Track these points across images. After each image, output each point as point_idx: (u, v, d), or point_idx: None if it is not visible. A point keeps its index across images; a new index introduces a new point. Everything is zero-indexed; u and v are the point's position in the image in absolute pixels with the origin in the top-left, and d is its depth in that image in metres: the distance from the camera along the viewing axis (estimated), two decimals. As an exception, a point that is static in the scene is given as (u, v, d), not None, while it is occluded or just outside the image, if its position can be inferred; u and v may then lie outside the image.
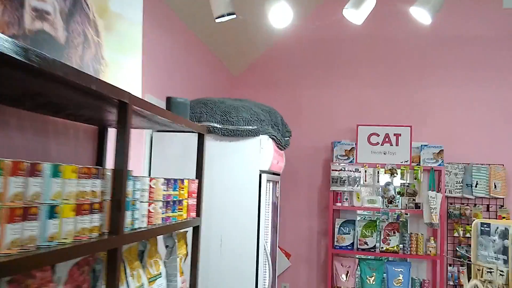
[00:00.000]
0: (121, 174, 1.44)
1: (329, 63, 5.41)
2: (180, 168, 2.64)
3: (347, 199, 4.95)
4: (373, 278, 4.83)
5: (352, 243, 4.91)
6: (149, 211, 1.76)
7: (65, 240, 1.23)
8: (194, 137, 2.90)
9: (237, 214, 2.90)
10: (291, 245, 5.29)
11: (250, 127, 2.91)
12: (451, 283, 4.83)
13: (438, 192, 4.73)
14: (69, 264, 1.35)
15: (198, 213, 2.30)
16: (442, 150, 4.86)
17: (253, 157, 2.92)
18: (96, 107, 1.63)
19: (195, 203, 2.28)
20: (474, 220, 4.90)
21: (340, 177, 4.89)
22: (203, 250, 2.90)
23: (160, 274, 2.05)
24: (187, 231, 2.31)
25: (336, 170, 4.91)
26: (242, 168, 2.93)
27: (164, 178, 1.92)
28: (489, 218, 4.90)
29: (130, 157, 2.59)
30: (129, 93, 1.48)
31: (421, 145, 4.92)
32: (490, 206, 4.93)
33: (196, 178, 2.32)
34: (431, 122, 5.15)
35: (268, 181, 3.14)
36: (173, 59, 3.60)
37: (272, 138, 3.03)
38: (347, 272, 4.89)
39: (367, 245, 4.84)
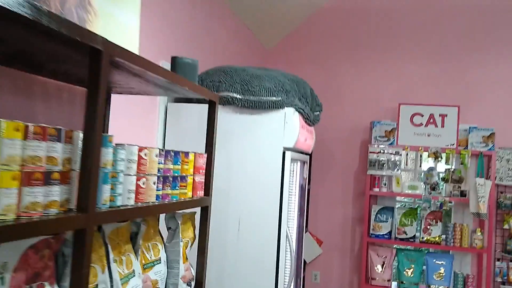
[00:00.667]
0: (90, 138, 1.16)
1: (370, 36, 4.98)
2: (197, 143, 2.36)
3: (385, 185, 4.56)
4: (411, 270, 4.46)
5: (390, 232, 4.53)
6: (138, 186, 1.49)
7: (3, 216, 0.96)
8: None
9: (257, 195, 2.60)
10: (324, 232, 4.96)
11: (274, 98, 2.58)
12: (499, 279, 4.39)
13: (487, 179, 4.27)
14: (20, 247, 1.08)
15: (208, 192, 2.01)
16: (493, 133, 4.38)
17: (276, 132, 2.60)
18: (79, 62, 1.36)
19: (203, 180, 1.99)
20: None
21: (379, 160, 4.50)
22: (219, 234, 2.63)
23: (160, 259, 1.78)
24: (195, 213, 2.03)
25: (374, 153, 4.52)
26: (264, 145, 2.61)
27: (161, 149, 1.63)
28: (545, 210, 4.41)
29: (140, 129, 2.31)
30: (104, 38, 1.19)
31: (470, 127, 4.46)
32: (547, 196, 4.43)
33: (206, 152, 2.03)
34: (481, 102, 4.67)
35: (293, 160, 2.82)
36: (198, 26, 3.31)
37: (299, 112, 2.70)
38: (383, 262, 4.53)
39: (406, 234, 4.46)
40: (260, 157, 2.61)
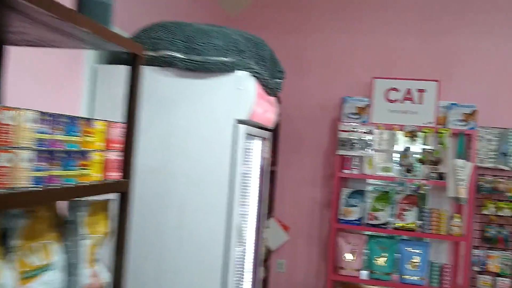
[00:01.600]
0: None
1: (342, 5, 4.52)
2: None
3: (357, 166, 4.16)
4: (383, 259, 4.09)
5: (361, 218, 4.15)
6: (-5, 165, 1.00)
7: None
8: (153, 72, 2.13)
9: (203, 177, 2.14)
10: (291, 217, 4.55)
11: (225, 58, 2.11)
12: (477, 268, 4.06)
13: (467, 161, 3.91)
14: None
15: (127, 174, 1.54)
16: (475, 110, 4.01)
17: (227, 101, 2.14)
18: None
19: (121, 158, 1.52)
20: (508, 195, 4.11)
21: (350, 140, 4.09)
22: (157, 225, 2.16)
23: (51, 265, 1.31)
24: (108, 201, 1.56)
25: (345, 131, 4.11)
26: (212, 115, 2.15)
27: (42, 112, 1.15)
28: (527, 194, 4.09)
29: (60, 96, 1.80)
30: None
31: (450, 104, 4.07)
32: (529, 180, 4.11)
33: (127, 121, 1.55)
34: (462, 77, 4.29)
35: (250, 136, 2.36)
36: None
37: (256, 77, 2.23)
38: (353, 250, 4.15)
39: (378, 220, 4.08)
40: (206, 130, 2.15)
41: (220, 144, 2.13)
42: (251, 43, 2.24)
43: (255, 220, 2.68)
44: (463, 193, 3.81)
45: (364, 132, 4.08)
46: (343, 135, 4.10)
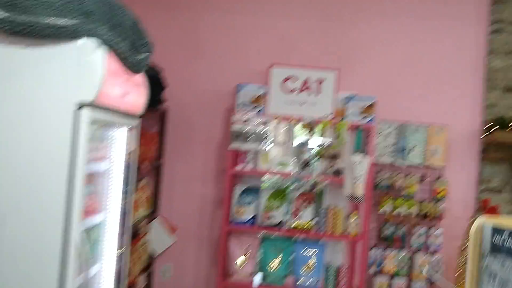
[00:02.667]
0: None
1: (240, -18, 4.12)
2: None
3: (251, 161, 3.78)
4: (277, 261, 3.77)
5: (254, 217, 3.79)
6: None
7: None
8: None
9: (30, 180, 1.60)
10: (180, 216, 4.08)
11: (63, 20, 1.58)
12: (374, 269, 3.87)
13: (365, 156, 3.69)
14: None
15: None
16: (374, 103, 3.80)
17: (65, 77, 1.61)
18: None
19: None
20: (404, 192, 3.97)
21: (244, 132, 3.70)
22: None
23: None
24: None
25: (238, 123, 3.71)
26: (45, 97, 1.61)
27: None
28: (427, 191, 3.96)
29: None
30: None
31: (349, 95, 3.83)
32: (425, 176, 3.99)
33: None
34: (362, 68, 4.07)
35: (105, 124, 1.85)
36: None
37: (110, 47, 1.73)
38: (246, 253, 3.78)
39: (273, 219, 3.74)
40: (37, 117, 1.61)
41: (55, 135, 1.60)
42: (104, 4, 1.73)
43: (117, 230, 2.17)
44: (360, 191, 3.58)
45: (260, 124, 3.71)
46: (237, 126, 3.71)
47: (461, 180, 4.02)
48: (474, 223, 1.24)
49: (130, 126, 2.19)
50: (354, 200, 3.66)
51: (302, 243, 3.82)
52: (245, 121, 3.72)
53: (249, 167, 3.76)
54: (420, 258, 3.85)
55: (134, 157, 2.30)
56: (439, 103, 4.04)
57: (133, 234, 3.39)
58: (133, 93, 2.00)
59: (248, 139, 3.70)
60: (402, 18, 4.07)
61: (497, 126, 3.82)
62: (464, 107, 4.04)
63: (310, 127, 3.69)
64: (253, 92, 3.83)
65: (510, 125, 3.79)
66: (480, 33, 4.02)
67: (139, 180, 3.36)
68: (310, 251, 3.77)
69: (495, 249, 1.19)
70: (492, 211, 3.61)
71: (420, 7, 4.06)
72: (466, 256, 3.68)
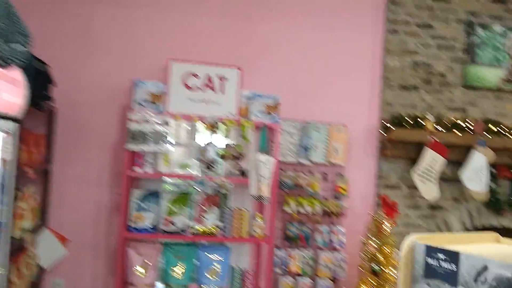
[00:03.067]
0: None
1: (136, -29, 3.84)
2: None
3: (151, 163, 3.53)
4: (180, 269, 3.56)
5: (155, 224, 3.54)
6: None
7: None
8: None
9: None
10: (71, 226, 3.71)
11: None
12: (279, 270, 3.81)
13: (270, 155, 3.61)
14: None
15: None
16: (278, 102, 3.73)
17: None
18: None
19: None
20: (309, 191, 3.96)
21: (142, 132, 3.45)
22: None
23: None
24: None
25: (136, 122, 3.45)
26: None
27: None
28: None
29: None
30: None
31: (252, 94, 3.72)
32: (328, 174, 4.01)
33: None
34: (265, 66, 3.99)
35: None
36: None
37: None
38: (146, 262, 3.52)
39: (175, 226, 3.53)
40: None
41: None
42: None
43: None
44: (265, 191, 3.49)
45: (159, 123, 3.47)
46: (134, 126, 3.44)
47: (361, 177, 4.09)
48: (405, 243, 1.14)
49: (4, 130, 1.87)
50: (260, 201, 3.56)
51: (207, 248, 3.65)
52: (143, 120, 3.46)
53: (148, 169, 3.51)
54: (325, 256, 3.86)
55: (12, 164, 1.97)
56: (339, 102, 4.08)
57: (18, 249, 2.99)
58: (6, 91, 1.69)
59: (147, 139, 3.45)
60: (303, 18, 4.05)
61: (394, 124, 3.94)
62: (363, 105, 4.12)
63: (214, 126, 3.53)
64: (151, 89, 3.58)
65: (405, 122, 3.93)
66: (377, 33, 4.13)
67: (21, 188, 2.97)
68: (215, 256, 3.61)
69: (430, 273, 1.08)
70: (391, 207, 3.70)
71: (321, 8, 4.08)
72: (368, 252, 3.75)
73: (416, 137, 3.88)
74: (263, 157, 3.51)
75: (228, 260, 3.64)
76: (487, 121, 4.06)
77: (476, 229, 4.19)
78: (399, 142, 3.95)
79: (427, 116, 3.96)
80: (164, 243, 3.61)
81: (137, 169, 3.48)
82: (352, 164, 4.07)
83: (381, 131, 4.05)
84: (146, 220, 3.51)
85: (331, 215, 3.89)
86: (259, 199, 3.53)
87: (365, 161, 4.10)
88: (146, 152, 3.50)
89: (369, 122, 4.12)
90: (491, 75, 4.20)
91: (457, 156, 4.02)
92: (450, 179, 4.15)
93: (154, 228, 3.52)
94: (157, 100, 3.57)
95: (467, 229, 4.16)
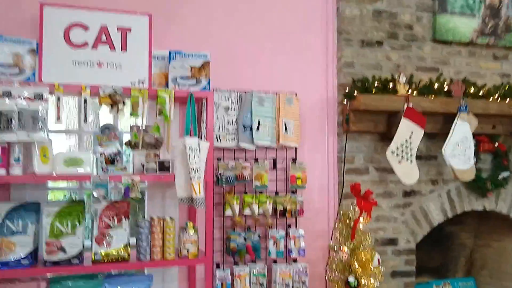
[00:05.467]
0: None
1: None
2: None
3: (18, 160, 2.30)
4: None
5: (33, 253, 2.33)
6: None
7: None
8: None
9: None
10: None
11: None
12: (221, 296, 2.76)
13: (201, 139, 2.53)
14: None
15: None
16: (208, 62, 2.65)
17: None
18: None
19: None
20: (255, 185, 2.85)
21: (3, 114, 2.23)
22: None
23: None
24: None
25: (-10, 98, 2.20)
26: None
27: None
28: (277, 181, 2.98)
29: None
30: None
31: (171, 52, 2.61)
32: (278, 160, 3.01)
33: None
34: (188, 16, 2.89)
35: None
36: None
37: None
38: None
39: (64, 252, 2.34)
40: None
41: None
42: None
43: None
44: (198, 190, 2.41)
45: (30, 99, 2.26)
46: (-11, 105, 2.20)
47: (318, 161, 3.15)
48: None
49: None
50: (191, 205, 2.47)
51: (116, 279, 2.50)
52: (3, 94, 2.23)
53: (16, 171, 2.28)
54: (281, 270, 2.87)
55: None
56: (286, 65, 3.09)
57: None
58: None
59: (12, 125, 2.22)
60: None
61: (358, 90, 3.03)
62: (316, 68, 3.16)
63: (114, 101, 2.37)
64: (15, 47, 2.34)
65: (374, 87, 3.03)
66: (330, -28, 3.18)
67: None
68: (130, 290, 2.48)
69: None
70: (366, 198, 2.79)
71: None
72: (339, 260, 2.80)
73: (388, 104, 3.00)
74: (192, 142, 2.42)
75: (149, 294, 2.52)
76: (464, 82, 3.28)
77: (457, 215, 3.43)
78: (366, 112, 3.04)
79: (398, 78, 3.09)
80: (51, 279, 2.41)
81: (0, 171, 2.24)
82: (307, 144, 3.10)
83: (341, 100, 3.12)
84: (18, 247, 2.29)
85: (285, 215, 2.91)
86: (189, 202, 2.45)
87: (322, 140, 3.16)
88: (12, 145, 2.27)
89: (326, 89, 3.17)
90: (463, 26, 3.42)
91: (431, 127, 3.21)
92: (424, 157, 3.33)
93: (33, 259, 2.30)
94: (21, 63, 2.34)
95: (447, 218, 3.37)
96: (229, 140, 2.86)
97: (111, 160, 2.42)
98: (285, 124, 2.96)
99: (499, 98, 3.32)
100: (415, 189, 3.28)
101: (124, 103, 2.38)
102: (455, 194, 3.38)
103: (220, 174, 2.76)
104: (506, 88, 3.38)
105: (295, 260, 2.96)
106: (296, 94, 3.01)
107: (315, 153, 3.14)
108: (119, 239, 2.43)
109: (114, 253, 2.40)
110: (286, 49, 3.09)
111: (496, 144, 3.45)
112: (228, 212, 2.80)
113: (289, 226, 2.97)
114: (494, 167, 3.45)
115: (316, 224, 3.10)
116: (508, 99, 3.32)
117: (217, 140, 2.82)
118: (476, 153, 3.34)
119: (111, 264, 2.39)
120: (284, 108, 2.96)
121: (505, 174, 3.42)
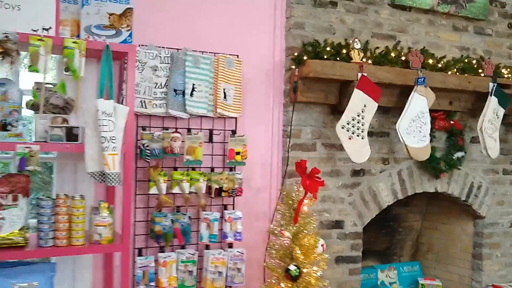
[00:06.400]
0: None
1: None
2: None
3: None
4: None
5: None
6: None
7: None
8: None
9: None
10: None
11: None
12: (143, 286, 2.38)
13: (119, 103, 2.10)
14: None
15: None
16: (130, 8, 2.20)
17: None
18: None
19: None
20: (187, 160, 2.38)
21: None
22: None
23: None
24: None
25: None
26: None
27: None
28: (213, 155, 2.60)
29: None
30: None
31: (84, -3, 2.13)
32: (215, 132, 2.62)
33: None
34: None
35: None
36: None
37: None
38: None
39: None
40: None
41: None
42: None
43: None
44: (113, 164, 1.99)
45: None
46: None
47: (262, 134, 2.79)
48: None
49: None
50: (104, 182, 2.05)
51: (11, 270, 2.06)
52: None
53: None
54: (214, 257, 2.52)
55: None
56: (227, 21, 2.68)
57: None
58: None
59: None
60: None
61: (308, 55, 2.67)
62: (262, 27, 2.77)
63: (6, 49, 1.88)
64: None
65: (326, 52, 2.68)
66: None
67: None
68: (28, 283, 2.04)
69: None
70: (312, 177, 2.46)
71: None
72: (280, 246, 2.45)
73: (341, 72, 2.66)
74: (105, 105, 1.98)
75: (51, 286, 2.10)
76: (422, 53, 2.99)
77: (408, 197, 3.19)
78: (316, 81, 2.69)
79: (353, 44, 2.75)
80: None
81: None
82: (249, 115, 2.73)
83: (289, 65, 2.76)
84: None
85: (222, 195, 2.54)
86: (102, 178, 2.03)
87: (267, 110, 2.79)
88: None
89: (273, 52, 2.79)
90: (424, -9, 3.13)
91: (386, 100, 2.92)
92: (376, 133, 3.04)
93: None
94: None
95: (397, 199, 3.12)
96: (157, 106, 2.43)
97: (4, 125, 1.94)
98: (224, 90, 2.57)
99: (458, 72, 3.08)
100: (364, 168, 2.99)
101: (18, 53, 1.90)
102: (406, 174, 3.13)
103: (143, 145, 2.34)
104: (466, 61, 3.14)
105: (231, 246, 2.62)
106: (238, 56, 2.62)
107: (258, 125, 2.77)
108: (14, 221, 1.98)
109: (6, 239, 1.96)
110: (229, 4, 2.68)
111: (452, 122, 3.22)
112: (154, 190, 2.40)
113: (225, 207, 2.62)
114: (448, 146, 3.22)
115: (256, 205, 2.76)
116: (467, 74, 3.08)
117: (142, 105, 2.39)
118: (431, 131, 3.09)
119: (5, 250, 1.95)
120: (223, 72, 2.56)
121: (459, 154, 3.21)
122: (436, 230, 3.74)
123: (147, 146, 2.34)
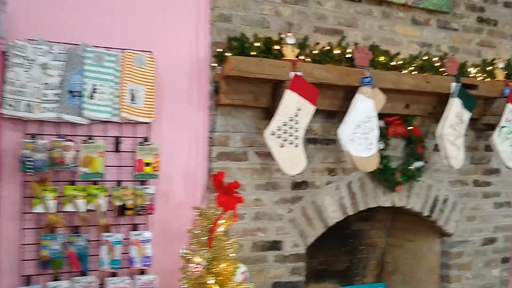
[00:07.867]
0: None
1: None
2: None
3: None
4: None
5: None
6: None
7: None
8: None
9: None
10: None
11: None
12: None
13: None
14: None
15: None
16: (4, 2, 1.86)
17: None
18: None
19: None
20: (83, 172, 1.97)
21: None
22: None
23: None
24: None
25: None
26: None
27: None
28: (119, 167, 2.24)
29: None
30: None
31: None
32: (121, 140, 2.27)
33: None
34: None
35: None
36: None
37: None
38: None
39: None
40: None
41: None
42: None
43: None
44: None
45: None
46: None
47: (184, 142, 2.43)
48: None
49: None
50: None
51: None
52: None
53: None
54: (116, 285, 2.16)
55: None
56: (141, 14, 2.33)
57: None
58: None
59: None
60: None
61: (233, 51, 2.32)
62: (183, 21, 2.42)
63: None
64: None
65: (255, 49, 2.33)
66: None
67: None
68: None
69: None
70: (229, 191, 2.10)
71: None
72: (193, 273, 2.04)
73: (270, 71, 2.30)
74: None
75: None
76: (372, 50, 2.63)
77: (368, 210, 2.82)
78: (243, 80, 2.34)
79: (286, 39, 2.39)
80: None
81: None
82: (168, 120, 2.38)
83: (213, 63, 2.40)
84: None
85: (128, 213, 2.19)
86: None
87: (188, 115, 2.44)
88: None
89: (196, 48, 2.44)
90: (376, -21, 2.77)
91: (329, 103, 2.56)
92: (320, 140, 2.67)
93: None
94: None
95: (347, 215, 2.75)
96: (46, 110, 2.09)
97: None
98: (132, 92, 2.22)
99: (416, 71, 2.71)
100: (307, 179, 2.62)
101: None
102: (357, 187, 2.76)
103: (25, 157, 1.99)
104: (424, 58, 2.77)
105: (141, 272, 2.26)
106: (150, 53, 2.27)
107: (178, 132, 2.41)
108: None
109: None
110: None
111: (411, 128, 2.85)
112: (40, 209, 2.04)
113: (136, 227, 2.26)
114: (406, 155, 2.85)
115: (176, 224, 2.39)
116: (426, 73, 2.72)
117: (28, 109, 2.04)
118: (384, 138, 2.73)
119: None
120: (131, 70, 2.22)
121: (418, 164, 2.83)
122: (402, 248, 3.37)
123: (28, 157, 1.99)
